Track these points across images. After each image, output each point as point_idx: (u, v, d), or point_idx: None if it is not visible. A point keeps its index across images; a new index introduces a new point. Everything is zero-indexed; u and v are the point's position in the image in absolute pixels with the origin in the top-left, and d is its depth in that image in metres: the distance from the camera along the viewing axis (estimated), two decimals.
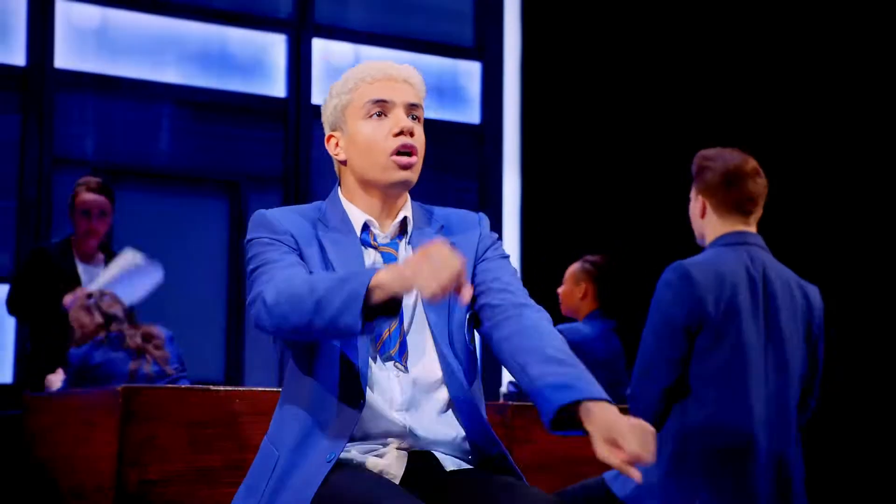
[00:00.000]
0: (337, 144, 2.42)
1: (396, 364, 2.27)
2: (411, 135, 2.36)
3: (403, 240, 2.41)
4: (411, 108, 2.39)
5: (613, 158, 7.12)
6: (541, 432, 2.64)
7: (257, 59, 6.92)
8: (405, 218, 2.41)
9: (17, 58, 6.21)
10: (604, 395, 2.12)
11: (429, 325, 2.32)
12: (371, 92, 2.38)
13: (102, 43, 6.49)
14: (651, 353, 3.25)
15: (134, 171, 6.49)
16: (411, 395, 2.27)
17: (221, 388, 2.81)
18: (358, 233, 2.37)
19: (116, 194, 5.32)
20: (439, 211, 2.50)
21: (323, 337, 2.21)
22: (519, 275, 2.44)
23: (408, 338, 2.30)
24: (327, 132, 2.44)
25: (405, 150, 2.35)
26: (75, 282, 5.06)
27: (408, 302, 2.30)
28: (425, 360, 2.30)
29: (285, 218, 2.35)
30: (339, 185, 2.43)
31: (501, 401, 4.69)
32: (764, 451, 3.20)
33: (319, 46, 7.05)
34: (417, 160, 2.37)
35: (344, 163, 2.41)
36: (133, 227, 6.19)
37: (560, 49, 7.34)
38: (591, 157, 7.16)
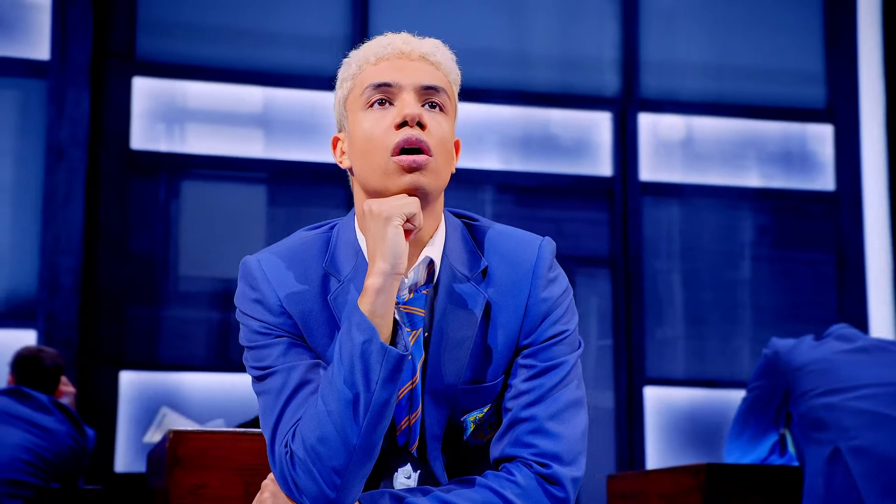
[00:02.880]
0: (343, 150, 1.88)
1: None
2: (421, 126, 1.78)
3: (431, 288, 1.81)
4: (426, 93, 1.82)
5: None
6: None
7: (581, 139, 6.78)
8: (431, 262, 1.82)
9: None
10: None
11: (422, 416, 1.80)
12: (373, 75, 1.83)
13: None
14: None
15: None
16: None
17: None
18: None
19: None
20: (490, 236, 1.86)
21: (376, 427, 1.68)
22: (579, 370, 1.84)
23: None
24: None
25: (410, 147, 1.76)
26: None
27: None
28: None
29: (282, 285, 1.80)
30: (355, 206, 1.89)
31: None
32: None
33: (647, 121, 6.80)
34: (432, 159, 1.77)
35: (352, 171, 1.87)
36: None
37: None
38: None
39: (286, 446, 1.70)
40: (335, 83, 1.93)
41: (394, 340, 1.70)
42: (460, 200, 6.52)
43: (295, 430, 1.70)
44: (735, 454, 3.35)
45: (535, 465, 1.75)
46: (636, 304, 6.58)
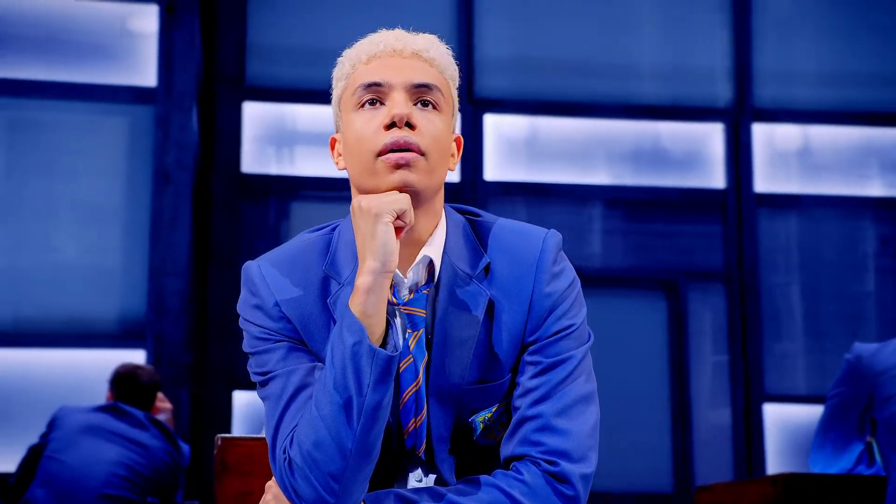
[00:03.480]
0: (339, 152, 1.84)
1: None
2: (410, 126, 1.73)
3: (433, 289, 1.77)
4: (418, 91, 1.77)
5: None
6: None
7: (692, 151, 6.66)
8: (430, 262, 1.78)
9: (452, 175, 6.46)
10: None
11: (428, 417, 1.76)
12: (364, 74, 1.78)
13: (532, 151, 6.59)
14: None
15: None
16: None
17: None
18: None
19: None
20: (494, 231, 1.81)
21: (370, 430, 1.66)
22: (588, 365, 1.79)
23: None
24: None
25: (398, 149, 1.71)
26: None
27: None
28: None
29: (281, 290, 1.78)
30: None
31: None
32: None
33: (761, 131, 6.65)
34: (422, 158, 1.72)
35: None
36: None
37: None
38: None
39: (284, 452, 1.68)
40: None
41: (385, 341, 1.67)
42: (569, 216, 6.46)
43: (293, 436, 1.68)
44: (820, 464, 3.23)
45: (543, 463, 1.70)
46: (753, 318, 6.42)
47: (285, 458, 1.69)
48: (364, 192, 1.76)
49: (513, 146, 6.59)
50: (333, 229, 1.86)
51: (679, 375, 6.35)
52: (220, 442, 2.55)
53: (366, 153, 1.74)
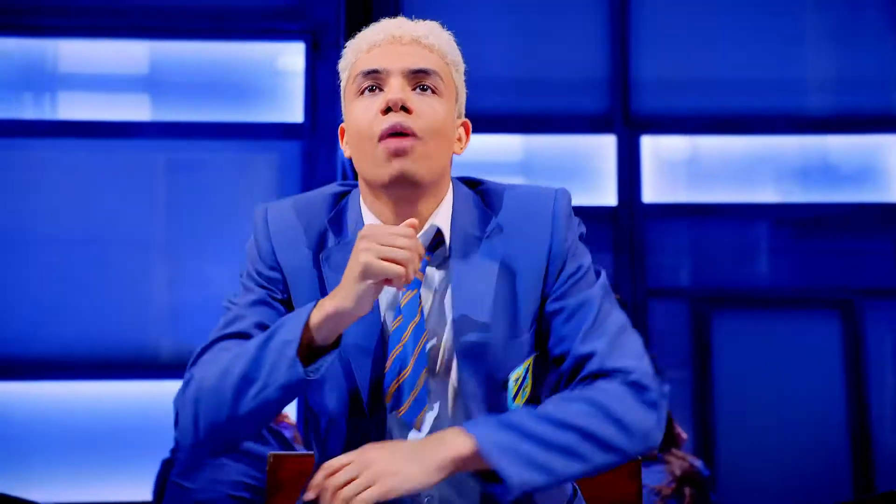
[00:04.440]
0: (347, 142, 1.88)
1: (404, 421, 1.76)
2: (406, 110, 1.75)
3: (438, 258, 1.80)
4: (416, 77, 1.78)
5: None
6: None
7: (865, 164, 6.34)
8: (438, 230, 1.81)
9: (608, 198, 6.36)
10: (468, 430, 1.66)
11: (458, 378, 1.76)
12: (364, 62, 1.81)
13: (692, 171, 6.41)
14: None
15: (732, 297, 6.23)
16: None
17: None
18: None
19: (714, 321, 5.21)
20: (506, 198, 1.85)
21: (250, 423, 1.70)
22: (611, 299, 1.80)
23: (430, 391, 1.77)
24: None
25: (395, 133, 1.74)
26: None
27: (433, 344, 1.77)
28: (446, 420, 1.78)
29: (280, 237, 1.82)
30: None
31: None
32: None
33: None
34: (419, 142, 1.74)
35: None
36: (738, 354, 5.95)
37: None
38: None
39: (189, 370, 1.76)
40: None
41: (322, 352, 1.68)
42: (734, 237, 6.25)
43: (206, 363, 1.74)
44: None
45: (618, 376, 1.72)
46: None
47: (189, 377, 1.74)
48: (367, 181, 1.79)
49: (672, 167, 6.42)
50: (356, 187, 1.88)
51: (857, 399, 6.03)
52: (271, 459, 2.56)
53: (365, 139, 1.76)
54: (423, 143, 1.75)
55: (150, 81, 5.71)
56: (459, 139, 1.86)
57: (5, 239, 5.51)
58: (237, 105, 5.62)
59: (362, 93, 1.79)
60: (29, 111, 5.68)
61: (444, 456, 1.61)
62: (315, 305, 1.68)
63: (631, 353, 1.73)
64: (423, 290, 1.79)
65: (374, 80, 1.78)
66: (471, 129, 1.90)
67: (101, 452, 5.40)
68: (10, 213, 5.52)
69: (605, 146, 6.32)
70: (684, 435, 3.92)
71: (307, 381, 1.66)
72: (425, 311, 1.78)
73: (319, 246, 1.82)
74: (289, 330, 1.66)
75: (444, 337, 1.77)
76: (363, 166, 1.78)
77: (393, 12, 6.13)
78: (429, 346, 1.77)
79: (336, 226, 1.82)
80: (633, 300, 6.22)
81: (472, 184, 1.91)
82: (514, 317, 1.76)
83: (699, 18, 6.42)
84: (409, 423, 1.77)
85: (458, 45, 1.89)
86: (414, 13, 1.95)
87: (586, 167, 6.32)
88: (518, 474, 1.62)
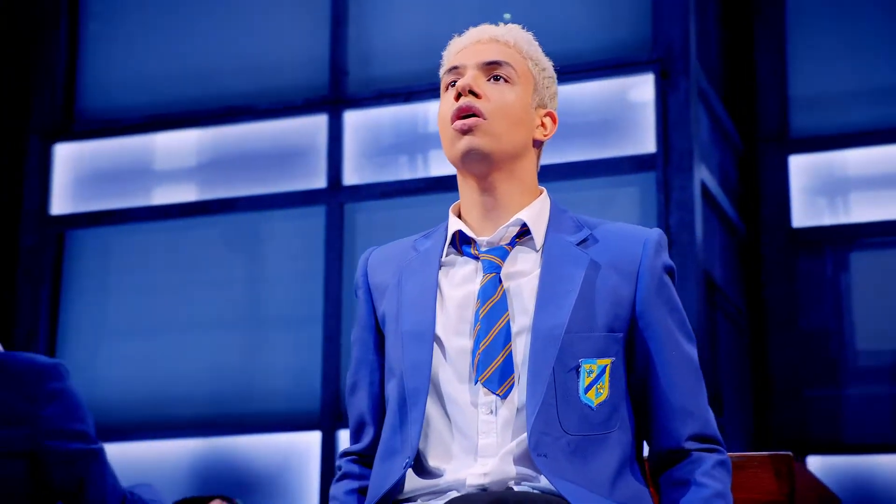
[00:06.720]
0: None
1: (487, 391, 1.85)
2: (475, 95, 1.92)
3: (518, 246, 1.94)
4: (488, 68, 1.96)
5: None
6: None
7: None
8: (524, 224, 1.94)
9: None
10: None
11: (531, 359, 1.84)
12: (449, 62, 2.02)
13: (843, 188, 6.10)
14: None
15: None
16: (497, 441, 1.84)
17: None
18: (444, 246, 1.96)
19: None
20: (601, 222, 1.98)
21: None
22: (691, 336, 1.93)
23: (508, 363, 1.86)
24: None
25: (462, 113, 1.92)
26: None
27: (513, 324, 1.89)
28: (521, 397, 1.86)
29: (374, 272, 2.03)
30: None
31: None
32: None
33: None
34: (484, 121, 1.90)
35: None
36: None
37: None
38: None
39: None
40: None
41: None
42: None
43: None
44: None
45: (711, 455, 1.88)
46: None
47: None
48: (451, 162, 1.97)
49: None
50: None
51: None
52: None
53: (444, 125, 1.96)
54: (489, 123, 1.91)
55: None
56: (543, 125, 2.01)
57: None
58: (593, 142, 5.70)
59: (447, 88, 1.98)
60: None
61: None
62: None
63: (710, 415, 1.91)
64: (505, 275, 1.91)
65: (455, 76, 1.97)
66: (557, 120, 2.04)
67: None
68: None
69: None
70: None
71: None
72: (508, 294, 1.89)
73: (404, 260, 2.03)
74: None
75: (522, 319, 1.88)
76: (446, 151, 1.97)
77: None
78: (510, 324, 1.87)
79: (420, 243, 2.04)
80: None
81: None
82: (592, 316, 1.86)
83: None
84: (493, 391, 1.85)
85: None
86: None
87: None
88: None
